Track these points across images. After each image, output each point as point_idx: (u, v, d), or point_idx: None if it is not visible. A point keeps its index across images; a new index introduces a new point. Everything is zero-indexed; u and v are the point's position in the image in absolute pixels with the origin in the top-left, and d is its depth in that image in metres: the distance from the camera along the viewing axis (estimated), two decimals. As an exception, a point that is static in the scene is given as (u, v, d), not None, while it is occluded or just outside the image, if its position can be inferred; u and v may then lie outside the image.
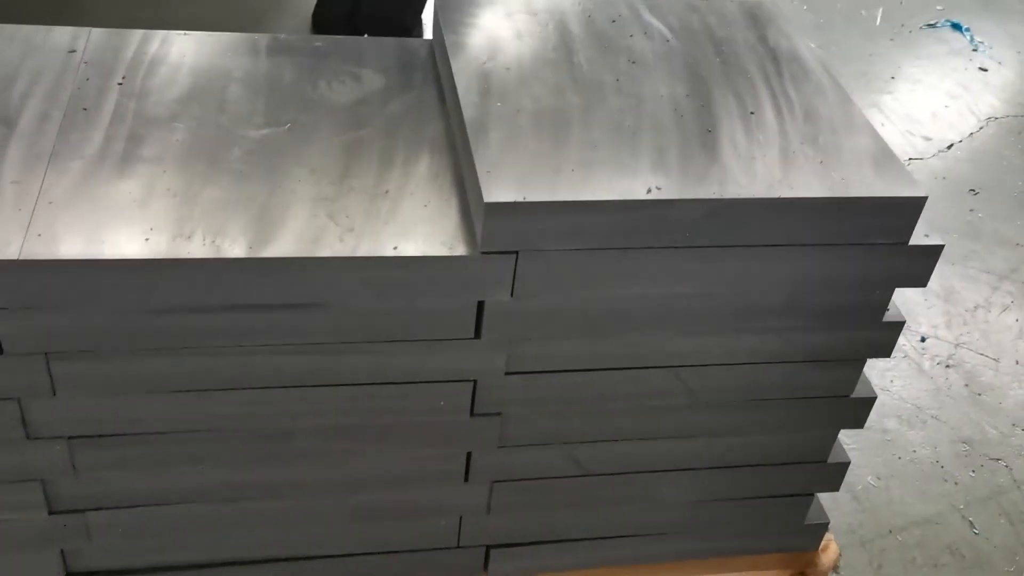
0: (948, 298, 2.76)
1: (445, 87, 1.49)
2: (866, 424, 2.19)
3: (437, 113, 1.46)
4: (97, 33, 1.52)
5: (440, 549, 1.61)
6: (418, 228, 1.26)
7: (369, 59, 1.55)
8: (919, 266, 1.37)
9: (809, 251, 1.32)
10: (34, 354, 1.22)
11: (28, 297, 1.16)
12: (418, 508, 1.54)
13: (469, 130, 1.31)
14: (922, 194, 1.30)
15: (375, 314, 1.28)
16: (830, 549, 1.78)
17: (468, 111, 1.35)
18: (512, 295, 1.29)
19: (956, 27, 4.36)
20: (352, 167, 1.34)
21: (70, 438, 1.32)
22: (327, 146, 1.37)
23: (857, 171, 1.33)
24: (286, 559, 1.56)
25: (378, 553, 1.59)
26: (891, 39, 4.16)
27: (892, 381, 2.46)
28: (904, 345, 2.58)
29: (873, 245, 1.34)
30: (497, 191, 1.22)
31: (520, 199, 1.21)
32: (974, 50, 4.19)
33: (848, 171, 1.32)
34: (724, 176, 1.29)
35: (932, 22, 4.35)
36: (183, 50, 1.51)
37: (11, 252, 1.14)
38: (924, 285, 1.39)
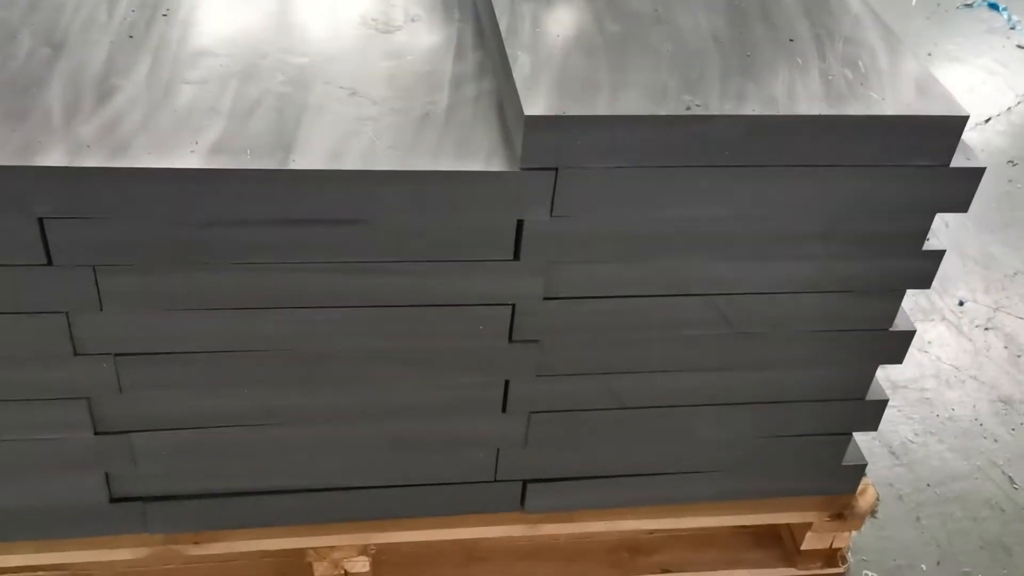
0: (987, 264, 2.73)
1: (484, 19, 1.50)
2: (903, 384, 2.18)
3: (476, 44, 1.47)
4: (143, -30, 1.55)
5: (477, 483, 1.62)
6: (458, 146, 1.28)
7: (408, -4, 1.57)
8: (960, 190, 1.36)
9: (849, 172, 1.32)
10: (82, 266, 1.24)
11: (76, 205, 1.18)
12: (455, 439, 1.55)
13: (508, 51, 1.32)
14: (963, 113, 1.30)
15: (414, 232, 1.30)
16: (868, 492, 1.76)
17: (507, 36, 1.36)
18: (551, 214, 1.29)
19: (993, 7, 4.32)
20: (393, 91, 1.36)
21: (116, 355, 1.34)
22: (369, 72, 1.39)
23: (898, 92, 1.32)
24: (324, 489, 1.57)
25: (415, 485, 1.60)
26: (927, 18, 4.13)
27: (930, 343, 2.44)
28: (942, 308, 2.56)
29: (914, 167, 1.33)
30: (536, 105, 1.23)
31: (559, 113, 1.22)
32: (1012, 28, 4.15)
33: (889, 92, 1.32)
34: (764, 95, 1.29)
35: (968, 2, 4.32)
36: (226, -14, 1.54)
37: (60, 160, 1.16)
38: (965, 210, 1.38)
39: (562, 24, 1.41)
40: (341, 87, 1.36)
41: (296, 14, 1.50)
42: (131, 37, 1.40)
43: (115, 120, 1.24)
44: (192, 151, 1.21)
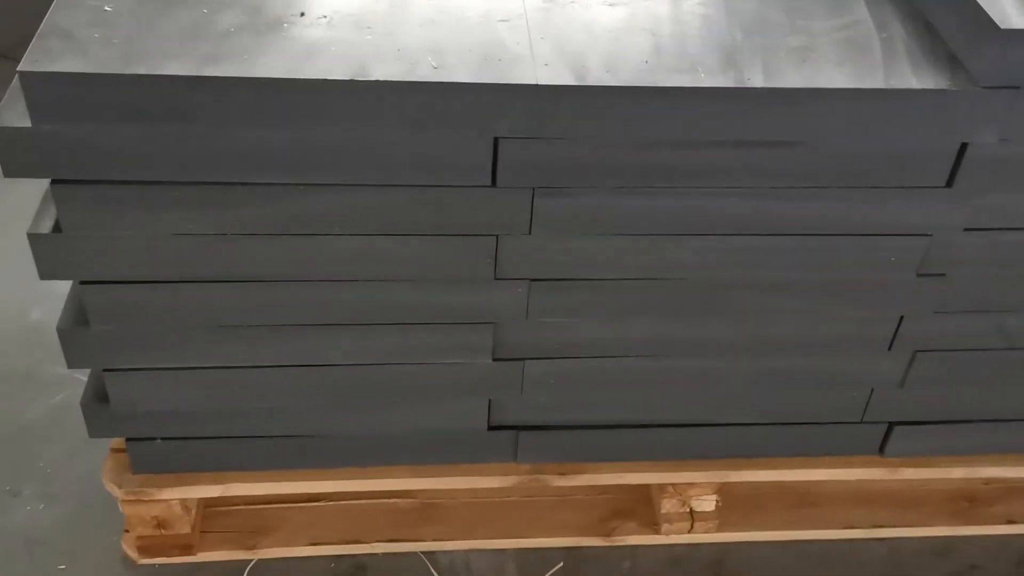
0: None
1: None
2: None
3: None
4: None
5: (841, 423, 1.57)
6: (904, 65, 1.21)
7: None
8: None
9: None
10: (522, 189, 1.23)
11: (534, 124, 1.15)
12: (832, 377, 1.50)
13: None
14: None
15: (848, 155, 1.24)
16: None
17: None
18: (1000, 138, 1.22)
19: None
20: (817, 17, 1.30)
21: (532, 280, 1.33)
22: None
23: None
24: (687, 425, 1.55)
25: (777, 424, 1.56)
26: None
27: None
28: None
29: None
30: (1010, 18, 1.15)
31: (1035, 26, 1.14)
32: None
33: None
34: None
35: None
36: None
37: (525, 78, 1.14)
38: None
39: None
40: (767, 7, 1.31)
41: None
42: (534, -42, 1.37)
43: (562, 39, 1.21)
44: (643, 68, 1.18)
